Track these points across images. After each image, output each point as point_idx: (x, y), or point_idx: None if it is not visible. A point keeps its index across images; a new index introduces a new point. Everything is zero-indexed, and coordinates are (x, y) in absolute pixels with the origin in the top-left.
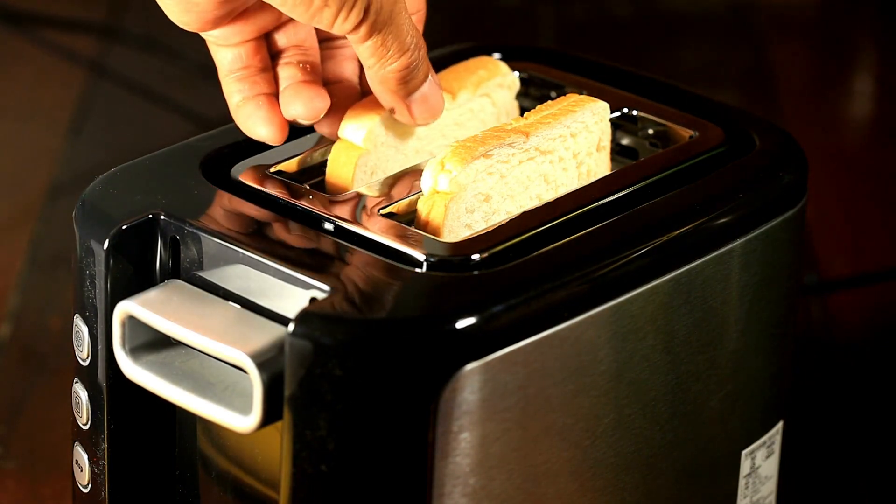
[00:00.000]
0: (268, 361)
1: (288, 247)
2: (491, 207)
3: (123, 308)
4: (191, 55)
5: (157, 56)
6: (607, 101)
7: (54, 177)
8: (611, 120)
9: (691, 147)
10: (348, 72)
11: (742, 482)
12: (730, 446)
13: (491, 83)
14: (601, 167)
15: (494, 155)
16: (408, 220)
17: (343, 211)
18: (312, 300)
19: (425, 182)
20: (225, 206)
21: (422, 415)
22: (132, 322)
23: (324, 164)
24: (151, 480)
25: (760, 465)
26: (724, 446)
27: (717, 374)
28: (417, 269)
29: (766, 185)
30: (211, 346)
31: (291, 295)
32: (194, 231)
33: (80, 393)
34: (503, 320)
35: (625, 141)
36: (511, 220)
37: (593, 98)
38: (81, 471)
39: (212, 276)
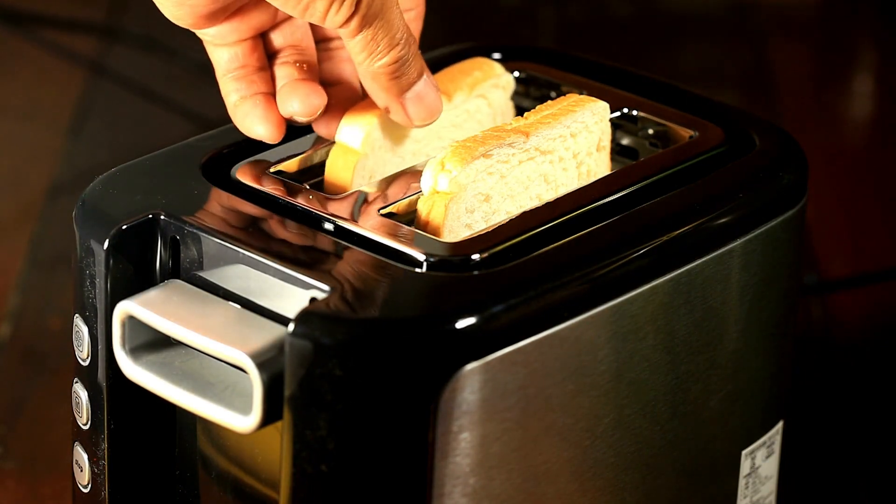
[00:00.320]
0: (268, 361)
1: (288, 247)
2: (491, 207)
3: (123, 308)
4: (191, 55)
5: (157, 56)
6: (607, 101)
7: (54, 177)
8: (611, 120)
9: (691, 147)
10: (347, 73)
11: (742, 482)
12: (730, 446)
13: (486, 84)
14: (601, 167)
15: (494, 155)
16: (408, 220)
17: (343, 211)
18: (312, 300)
19: (425, 182)
20: (225, 206)
21: (422, 415)
22: (132, 322)
23: (324, 164)
24: (151, 480)
25: (760, 465)
26: (724, 446)
27: (717, 374)
28: (417, 269)
29: (766, 185)
30: (211, 346)
31: (291, 295)
32: (194, 231)
33: (80, 393)
34: (503, 320)
35: (625, 141)
36: (511, 220)
37: (593, 98)
38: (81, 471)
39: (212, 276)
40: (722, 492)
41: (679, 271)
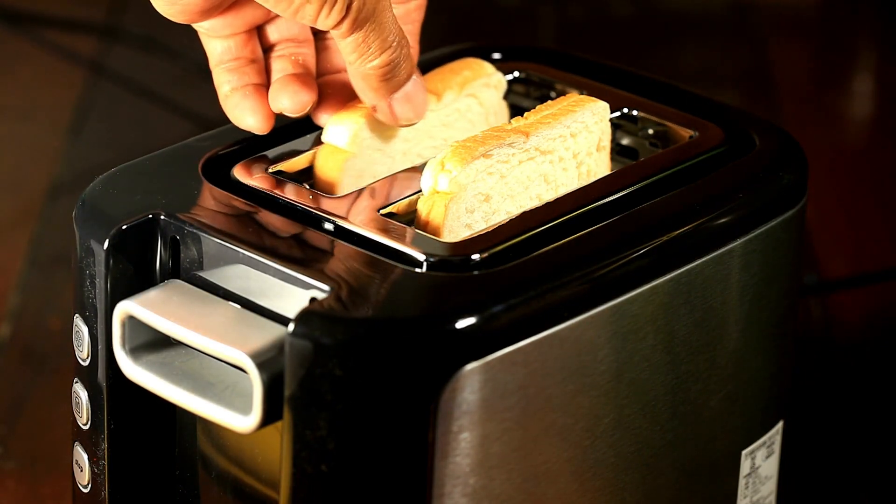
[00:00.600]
0: (268, 361)
1: (288, 247)
2: (491, 207)
3: (123, 308)
4: (191, 55)
5: (157, 56)
6: (607, 101)
7: (54, 177)
8: (611, 120)
9: (691, 147)
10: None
11: (742, 482)
12: (730, 446)
13: (476, 83)
14: (601, 167)
15: (494, 155)
16: (408, 220)
17: (343, 211)
18: (312, 300)
19: (425, 182)
20: (225, 206)
21: (422, 415)
22: (132, 322)
23: None
24: (151, 480)
25: (760, 465)
26: (724, 446)
27: (717, 374)
28: (417, 269)
29: (766, 185)
30: (211, 346)
31: (291, 295)
32: (194, 231)
33: (80, 393)
34: (503, 320)
35: (625, 141)
36: (511, 220)
37: (593, 98)
38: (81, 471)
39: (212, 276)
40: (722, 492)
41: (679, 271)
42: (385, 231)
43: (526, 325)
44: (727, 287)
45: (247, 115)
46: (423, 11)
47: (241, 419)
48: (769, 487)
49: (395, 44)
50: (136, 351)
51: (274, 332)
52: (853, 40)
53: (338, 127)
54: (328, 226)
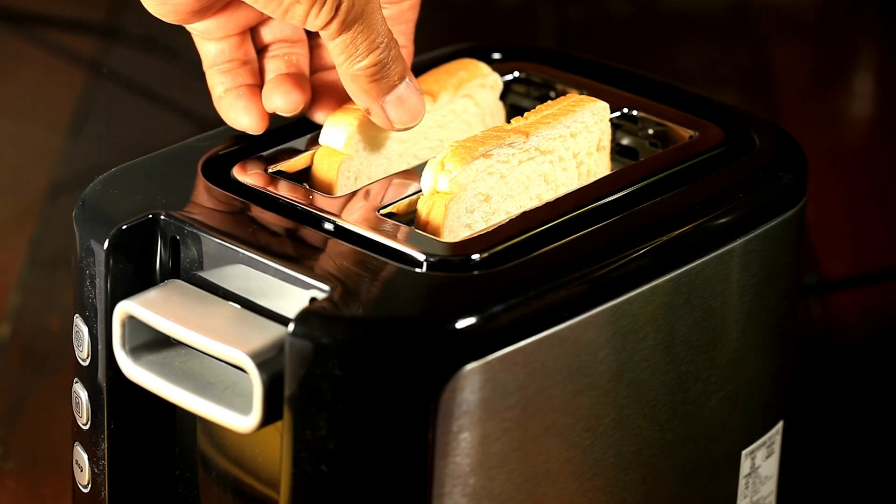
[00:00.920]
0: (268, 361)
1: (288, 247)
2: (491, 207)
3: (123, 308)
4: (191, 55)
5: (157, 56)
6: (607, 101)
7: (54, 177)
8: (611, 120)
9: (691, 147)
10: None
11: (742, 482)
12: (730, 446)
13: (472, 84)
14: (601, 167)
15: (494, 155)
16: (408, 220)
17: (343, 211)
18: (312, 300)
19: (425, 182)
20: (225, 206)
21: (422, 415)
22: (132, 322)
23: None
24: (151, 480)
25: (760, 465)
26: (724, 446)
27: (717, 374)
28: (417, 269)
29: (766, 185)
30: (211, 346)
31: (291, 295)
32: (194, 231)
33: (80, 393)
34: (503, 320)
35: (625, 141)
36: (511, 220)
37: (593, 98)
38: (81, 471)
39: (212, 276)
40: (722, 492)
41: (679, 271)
42: (385, 231)
43: (526, 325)
44: (727, 287)
45: (240, 116)
46: (417, 11)
47: (241, 419)
48: (769, 487)
49: (383, 45)
50: (136, 351)
51: (274, 332)
52: (853, 40)
53: (334, 129)
54: (328, 226)
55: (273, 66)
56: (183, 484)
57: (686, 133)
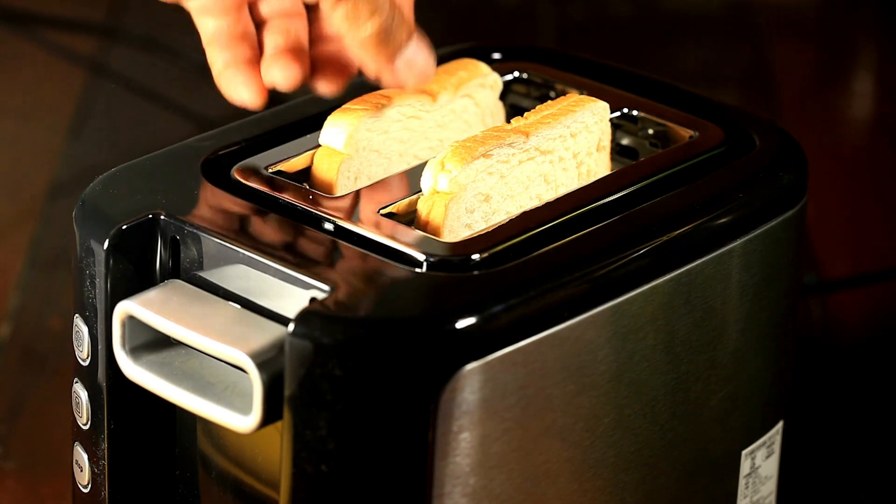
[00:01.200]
0: (268, 361)
1: (288, 247)
2: (491, 207)
3: (123, 308)
4: (191, 55)
5: (157, 56)
6: (607, 101)
7: (54, 177)
8: (611, 120)
9: (691, 147)
10: None
11: (742, 482)
12: (730, 446)
13: (472, 84)
14: (601, 167)
15: (494, 155)
16: (408, 220)
17: (343, 211)
18: (312, 300)
19: (425, 182)
20: (225, 206)
21: (422, 415)
22: (132, 322)
23: None
24: (151, 480)
25: (760, 465)
26: (724, 446)
27: (717, 374)
28: (417, 269)
29: (766, 185)
30: (211, 346)
31: (291, 295)
32: (194, 231)
33: (80, 393)
34: (503, 320)
35: (625, 141)
36: (511, 220)
37: (593, 98)
38: (81, 471)
39: (212, 276)
40: (722, 492)
41: (679, 271)
42: (385, 231)
43: (526, 325)
44: (727, 287)
45: (240, 89)
46: None
47: (241, 419)
48: (769, 487)
49: (385, 8)
50: (136, 351)
51: (274, 332)
52: (853, 40)
53: (334, 129)
54: (328, 226)
55: (272, 41)
56: (183, 484)
57: (686, 133)
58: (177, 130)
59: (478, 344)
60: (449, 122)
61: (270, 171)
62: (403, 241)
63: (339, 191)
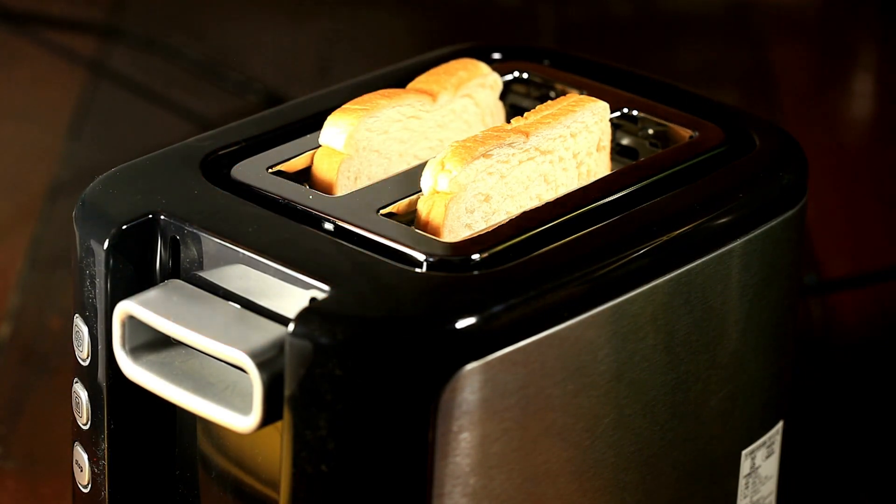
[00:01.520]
0: (268, 361)
1: (288, 247)
2: (491, 207)
3: (123, 308)
4: (191, 55)
5: (157, 56)
6: (607, 101)
7: (54, 177)
8: (611, 120)
9: (691, 147)
10: None
11: (742, 482)
12: (730, 446)
13: (472, 84)
14: (601, 167)
15: (494, 155)
16: (408, 220)
17: (343, 211)
18: (312, 300)
19: (425, 182)
20: (225, 206)
21: (422, 415)
22: (132, 322)
23: None
24: (151, 480)
25: (760, 465)
26: (724, 446)
27: (717, 374)
28: (417, 269)
29: (766, 185)
30: (211, 346)
31: (291, 295)
32: (194, 231)
33: (80, 393)
34: (503, 320)
35: (625, 141)
36: (511, 220)
37: (593, 98)
38: (81, 471)
39: (212, 276)
40: (722, 492)
41: (679, 271)
42: (385, 231)
43: (526, 325)
44: (727, 287)
45: None
46: None
47: (241, 419)
48: (769, 487)
49: None
50: (136, 351)
51: (274, 332)
52: (853, 40)
53: (334, 129)
54: (328, 226)
55: None
56: (183, 484)
57: (686, 133)
58: (177, 130)
59: (478, 344)
60: (449, 122)
61: (270, 171)
62: (403, 241)
63: (339, 191)
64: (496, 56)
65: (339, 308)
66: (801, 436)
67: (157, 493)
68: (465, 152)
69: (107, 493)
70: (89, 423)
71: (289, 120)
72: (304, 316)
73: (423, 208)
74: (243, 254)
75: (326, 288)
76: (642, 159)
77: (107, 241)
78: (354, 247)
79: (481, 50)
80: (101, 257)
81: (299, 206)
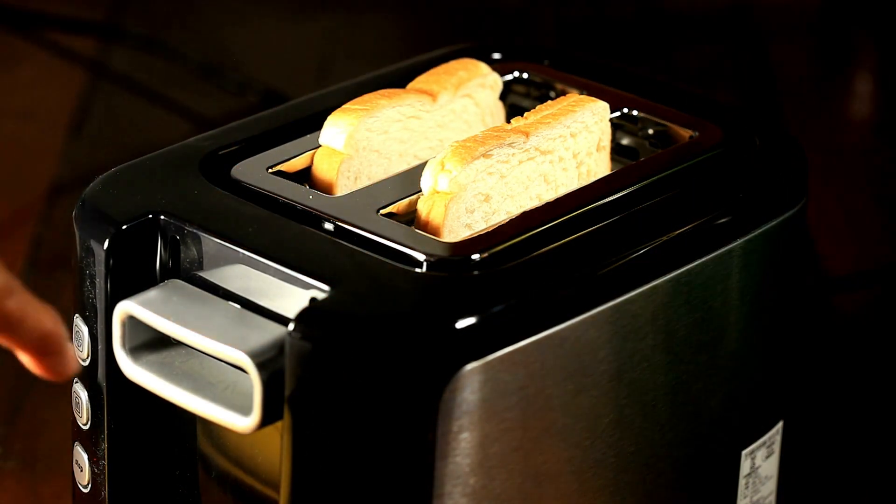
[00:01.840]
0: (268, 361)
1: (288, 247)
2: (491, 207)
3: (123, 308)
4: (191, 55)
5: (157, 56)
6: (607, 101)
7: (54, 177)
8: (611, 120)
9: (691, 147)
10: None
11: (742, 482)
12: (730, 446)
13: (472, 84)
14: (601, 167)
15: (494, 155)
16: (408, 220)
17: (343, 211)
18: (312, 300)
19: (425, 182)
20: (225, 206)
21: (422, 415)
22: (132, 322)
23: None
24: (151, 480)
25: (760, 465)
26: (724, 446)
27: (717, 374)
28: (417, 269)
29: (766, 185)
30: (211, 345)
31: (291, 295)
32: (194, 231)
33: (80, 393)
34: (503, 320)
35: (625, 141)
36: (511, 220)
37: (593, 98)
38: (81, 471)
39: (212, 276)
40: (722, 492)
41: (679, 271)
42: (385, 231)
43: (526, 325)
44: (727, 287)
45: None
46: None
47: (241, 419)
48: (769, 487)
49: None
50: (136, 351)
51: (274, 332)
52: (853, 40)
53: (334, 129)
54: (328, 226)
55: None
56: (183, 484)
57: (686, 133)
58: (177, 130)
59: (478, 344)
60: (449, 122)
61: (270, 171)
62: (403, 241)
63: (339, 191)
64: (496, 56)
65: (339, 308)
66: (801, 436)
67: (157, 493)
68: (465, 152)
69: (107, 493)
70: (89, 423)
71: (289, 120)
72: (303, 316)
73: (423, 208)
74: (243, 254)
75: (326, 288)
76: (642, 159)
77: (107, 241)
78: (354, 247)
79: (481, 50)
80: (101, 257)
81: (299, 206)
